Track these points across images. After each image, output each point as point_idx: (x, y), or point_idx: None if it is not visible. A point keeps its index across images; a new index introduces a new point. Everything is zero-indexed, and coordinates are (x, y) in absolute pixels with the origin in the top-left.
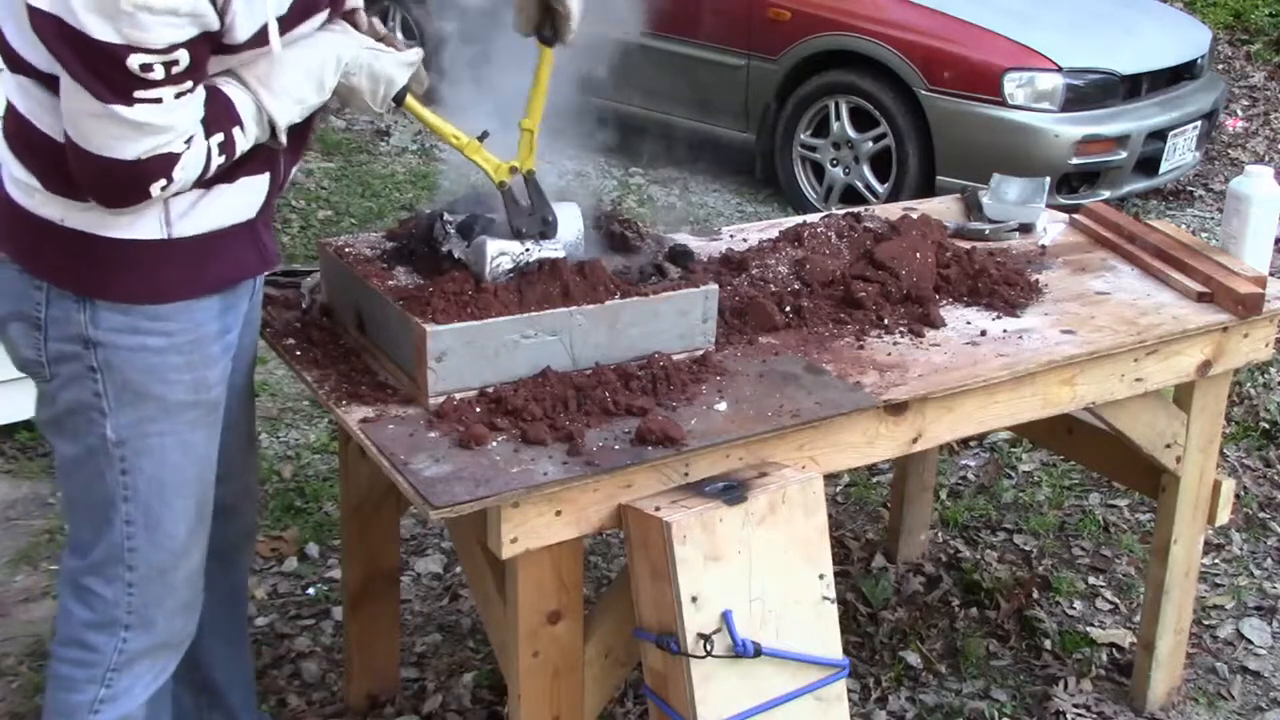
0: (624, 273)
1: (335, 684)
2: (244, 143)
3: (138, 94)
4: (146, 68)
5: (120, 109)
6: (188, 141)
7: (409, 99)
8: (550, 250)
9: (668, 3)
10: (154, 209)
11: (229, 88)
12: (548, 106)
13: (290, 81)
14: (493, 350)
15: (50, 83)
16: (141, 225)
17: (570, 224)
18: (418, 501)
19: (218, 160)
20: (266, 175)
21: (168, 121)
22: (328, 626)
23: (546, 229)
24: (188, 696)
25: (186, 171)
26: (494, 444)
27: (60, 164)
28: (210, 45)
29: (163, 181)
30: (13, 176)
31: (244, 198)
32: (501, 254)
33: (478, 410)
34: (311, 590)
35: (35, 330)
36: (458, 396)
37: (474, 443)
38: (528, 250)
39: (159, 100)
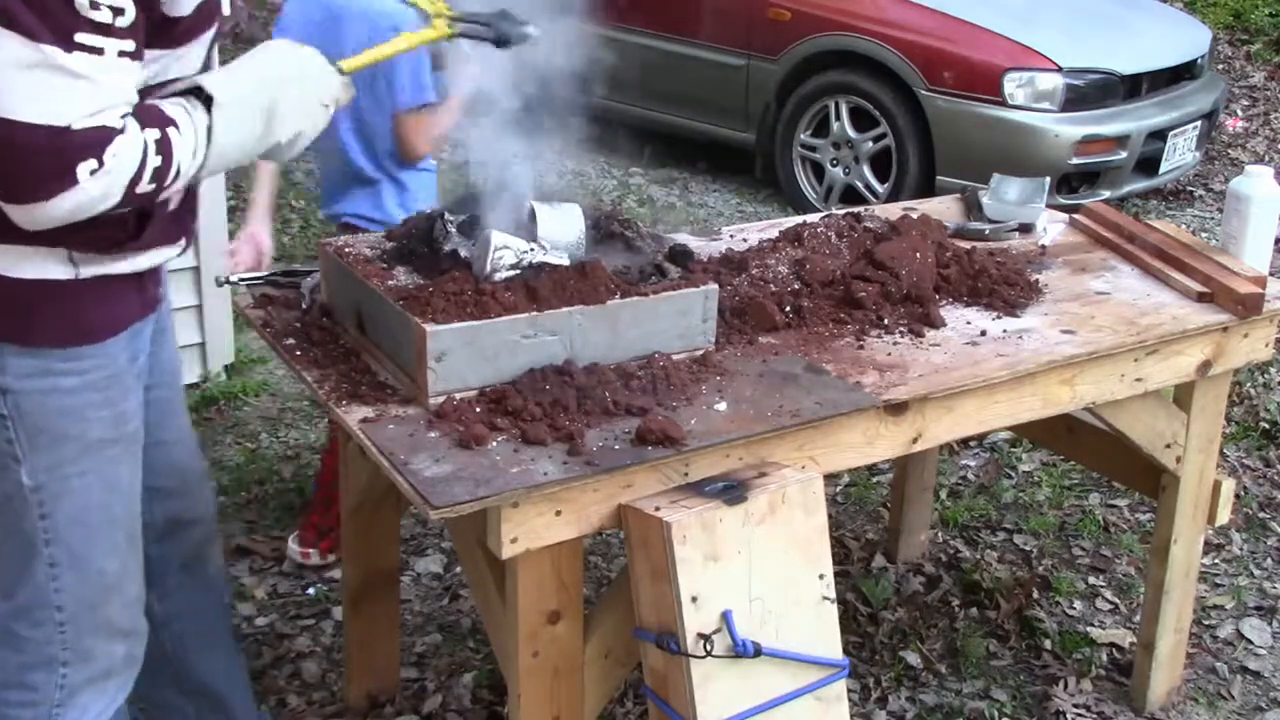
0: (624, 273)
1: (335, 684)
2: (181, 149)
3: (79, 37)
4: (94, 5)
5: (57, 52)
6: (124, 119)
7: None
8: (553, 256)
9: (669, 2)
10: (59, 253)
11: (164, 103)
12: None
13: (242, 90)
14: (493, 350)
15: None
16: (50, 265)
17: (571, 225)
18: (418, 501)
19: (154, 161)
20: (181, 242)
21: (106, 80)
22: (328, 626)
23: (508, 20)
24: (190, 707)
25: (119, 161)
26: (494, 444)
27: None
28: (152, 18)
29: (93, 163)
30: None
31: (150, 260)
32: (505, 246)
33: (478, 410)
34: (311, 590)
35: None
36: (458, 396)
37: (474, 443)
38: (531, 250)
39: (100, 51)
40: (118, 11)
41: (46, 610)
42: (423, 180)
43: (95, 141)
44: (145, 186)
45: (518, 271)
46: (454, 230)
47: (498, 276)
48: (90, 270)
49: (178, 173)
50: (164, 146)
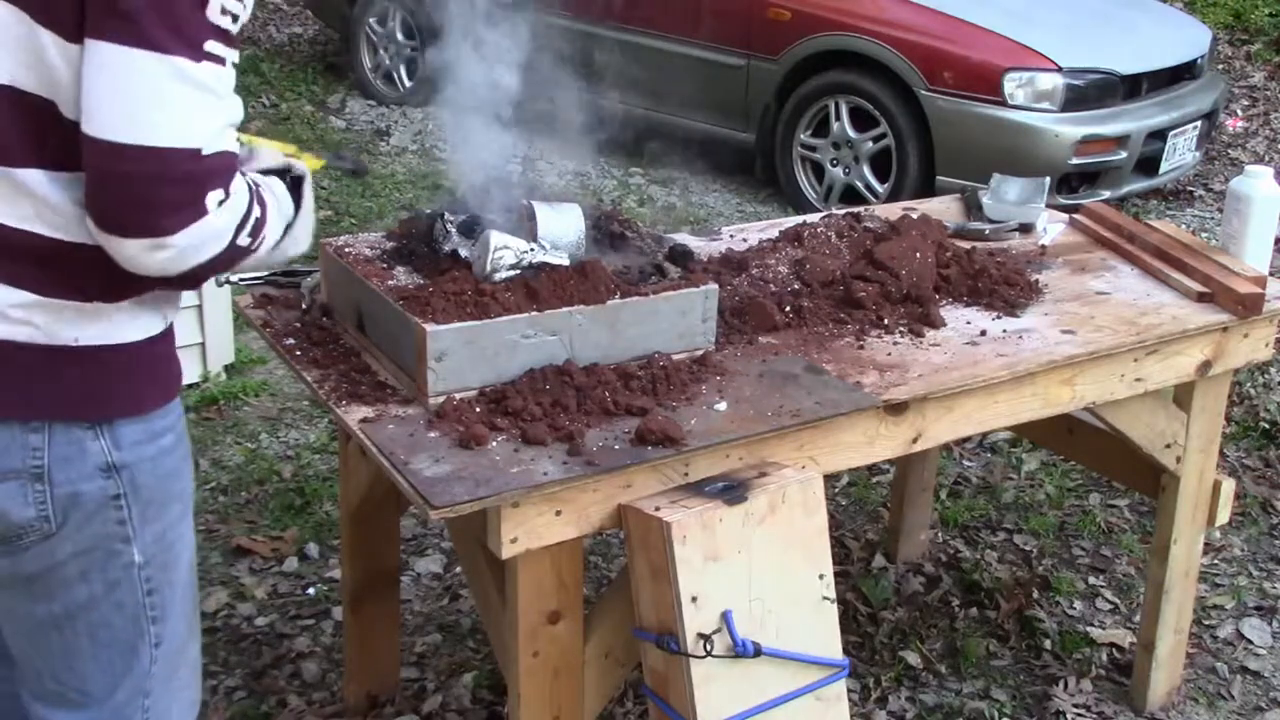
0: (624, 273)
1: (335, 684)
2: (273, 211)
3: (208, 45)
4: (224, 11)
5: (186, 63)
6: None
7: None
8: (554, 256)
9: (669, 2)
10: (150, 306)
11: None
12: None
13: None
14: (493, 350)
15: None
16: (146, 320)
17: (571, 225)
18: (418, 501)
19: (255, 211)
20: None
21: (228, 95)
22: (328, 626)
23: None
24: None
25: (238, 196)
26: (494, 444)
27: (64, 262)
28: None
29: (220, 193)
30: None
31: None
32: (505, 247)
33: (478, 410)
34: (311, 590)
35: (36, 484)
36: (458, 396)
37: (474, 443)
38: (531, 250)
39: (223, 60)
40: (235, 17)
41: (139, 700)
42: None
43: (223, 169)
44: (244, 238)
45: (518, 271)
46: (454, 230)
47: (498, 276)
48: (170, 311)
49: (264, 237)
50: (261, 201)
